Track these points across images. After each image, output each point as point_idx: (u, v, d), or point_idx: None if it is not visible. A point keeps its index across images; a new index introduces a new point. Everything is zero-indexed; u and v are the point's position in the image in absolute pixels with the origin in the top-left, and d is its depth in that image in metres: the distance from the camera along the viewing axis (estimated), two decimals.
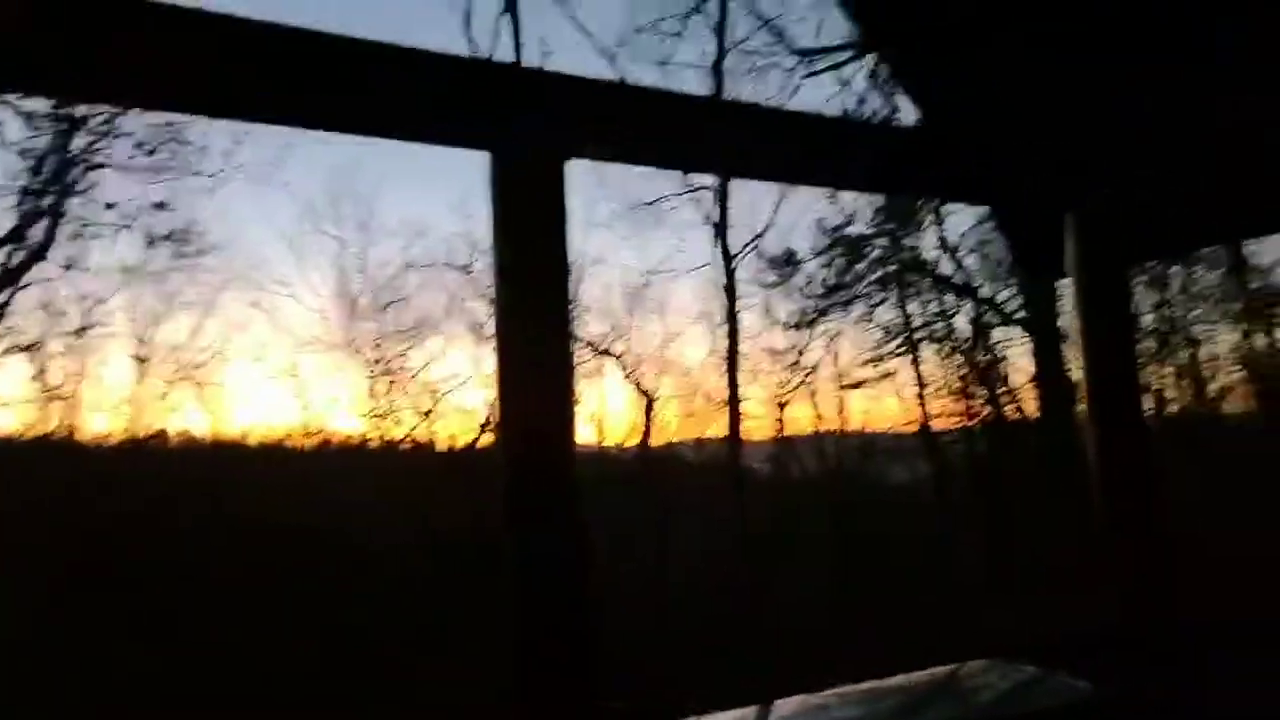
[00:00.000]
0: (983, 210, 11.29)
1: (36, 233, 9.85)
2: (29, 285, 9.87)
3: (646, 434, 13.70)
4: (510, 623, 1.71)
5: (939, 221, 13.33)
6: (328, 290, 13.99)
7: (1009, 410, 13.33)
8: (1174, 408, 13.27)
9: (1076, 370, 3.02)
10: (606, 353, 13.63)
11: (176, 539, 9.82)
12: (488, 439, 12.63)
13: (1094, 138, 3.02)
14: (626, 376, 13.74)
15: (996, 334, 13.66)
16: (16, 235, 9.65)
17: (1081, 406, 3.00)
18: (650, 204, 13.86)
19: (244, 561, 9.76)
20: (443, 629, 10.06)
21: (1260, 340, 12.86)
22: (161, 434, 11.58)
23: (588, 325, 13.88)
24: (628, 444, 14.04)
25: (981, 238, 12.91)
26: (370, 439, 12.83)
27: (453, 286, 13.16)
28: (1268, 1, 2.49)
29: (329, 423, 12.74)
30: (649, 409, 13.72)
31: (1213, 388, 13.60)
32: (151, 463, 11.48)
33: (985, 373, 13.55)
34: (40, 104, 9.44)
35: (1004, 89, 3.29)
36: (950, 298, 13.74)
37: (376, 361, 12.63)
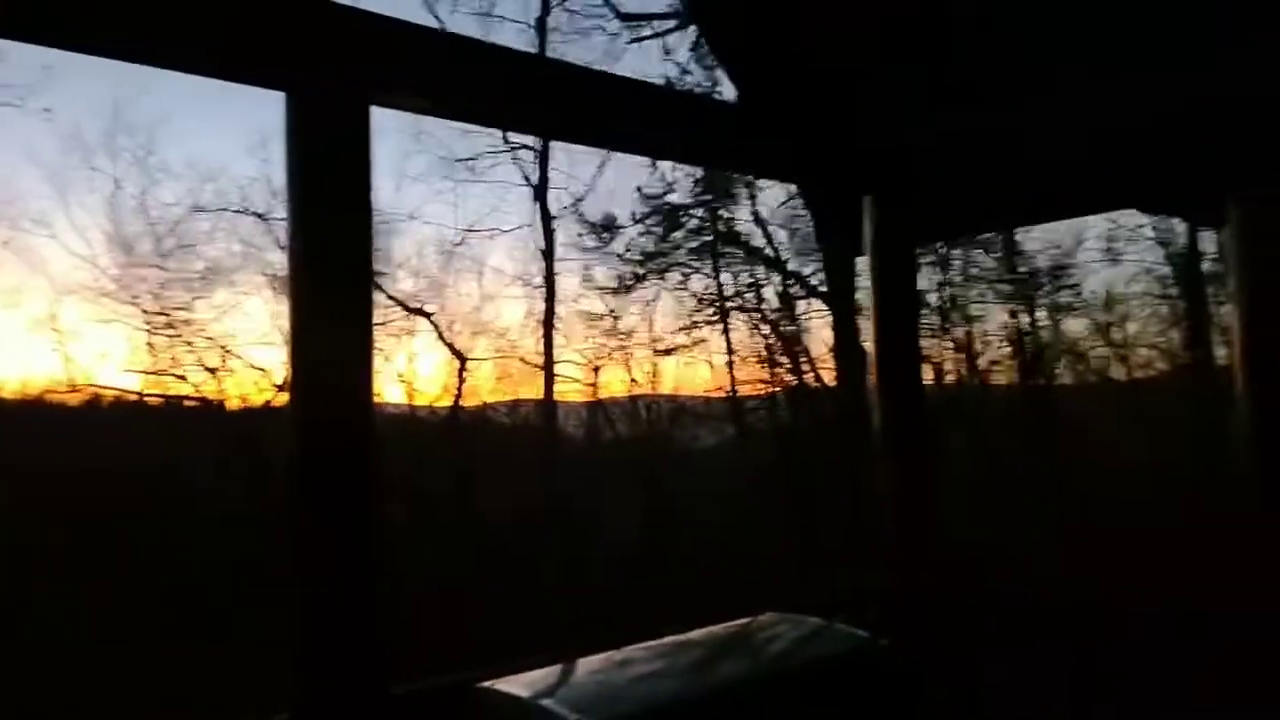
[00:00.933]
0: (792, 186, 11.84)
1: None
2: None
3: (458, 396, 13.44)
4: (292, 599, 1.61)
5: (752, 196, 13.85)
6: (98, 233, 12.56)
7: (810, 379, 14.18)
8: (950, 378, 14.60)
9: (869, 342, 3.25)
10: (419, 311, 13.20)
11: None
12: (284, 398, 11.91)
13: (892, 126, 3.22)
14: (439, 336, 13.38)
15: (801, 306, 14.45)
16: None
17: (871, 376, 3.23)
18: (468, 160, 13.48)
19: None
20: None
21: (1024, 319, 14.36)
22: None
23: (398, 282, 13.38)
24: (439, 405, 13.71)
25: (791, 213, 13.54)
26: (148, 396, 11.74)
27: (247, 234, 12.20)
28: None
29: (98, 378, 11.51)
30: (462, 370, 13.45)
31: (983, 361, 15.06)
32: None
33: (790, 342, 14.31)
34: None
35: (812, 71, 3.42)
36: (761, 269, 14.35)
37: (157, 313, 11.52)
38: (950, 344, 14.56)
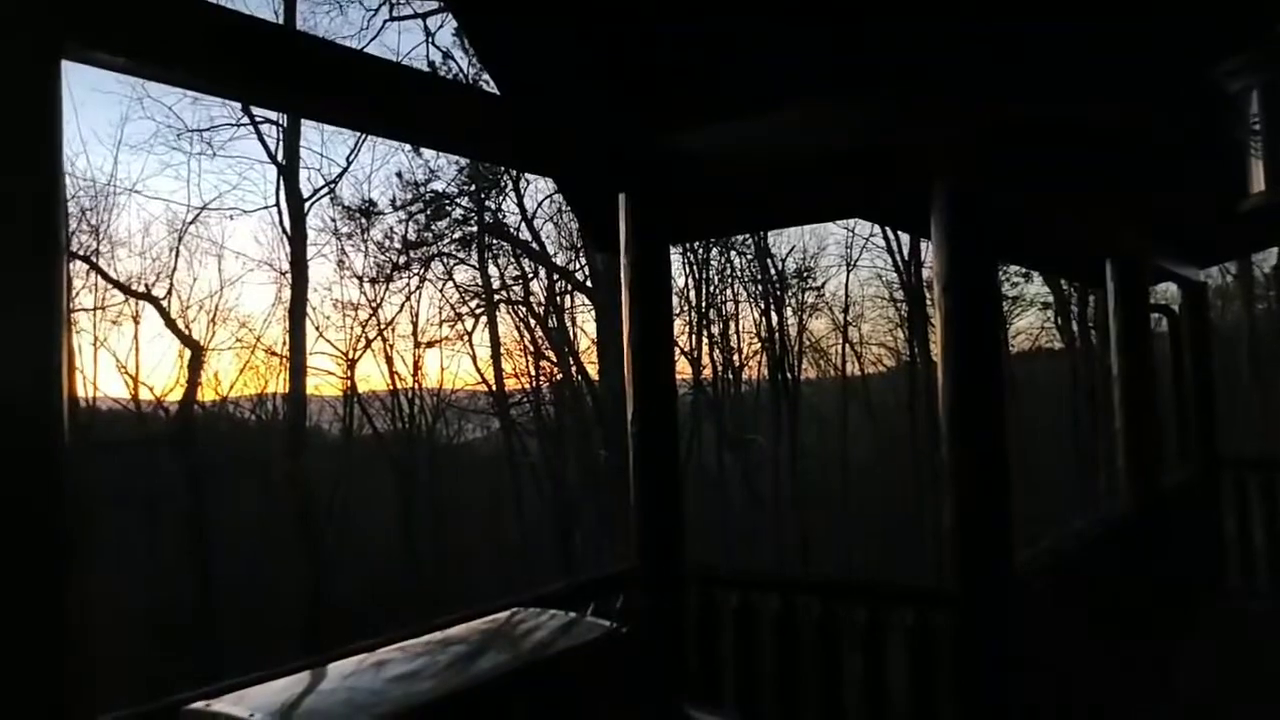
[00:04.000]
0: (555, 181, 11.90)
1: None
2: None
3: (191, 389, 12.26)
4: None
5: (519, 189, 13.80)
6: None
7: (574, 372, 14.37)
8: (706, 373, 15.39)
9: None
10: (145, 296, 11.91)
11: None
12: None
13: (646, 128, 3.31)
14: (168, 324, 12.13)
15: (568, 300, 14.60)
16: None
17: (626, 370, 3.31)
18: (201, 131, 12.33)
19: None
20: None
21: (773, 317, 15.44)
22: None
23: (118, 262, 12.00)
24: (168, 400, 12.45)
25: (558, 208, 13.64)
26: None
27: None
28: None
29: None
30: (196, 361, 12.29)
31: (738, 357, 16.03)
32: None
33: (555, 337, 14.42)
34: None
35: (570, 68, 3.45)
36: (528, 263, 14.33)
37: None
38: (707, 340, 15.37)
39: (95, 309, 11.57)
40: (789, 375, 15.48)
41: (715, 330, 15.57)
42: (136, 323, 12.18)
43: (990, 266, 2.95)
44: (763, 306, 15.53)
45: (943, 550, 2.81)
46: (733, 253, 15.25)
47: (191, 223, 12.52)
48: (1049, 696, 3.25)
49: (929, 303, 14.06)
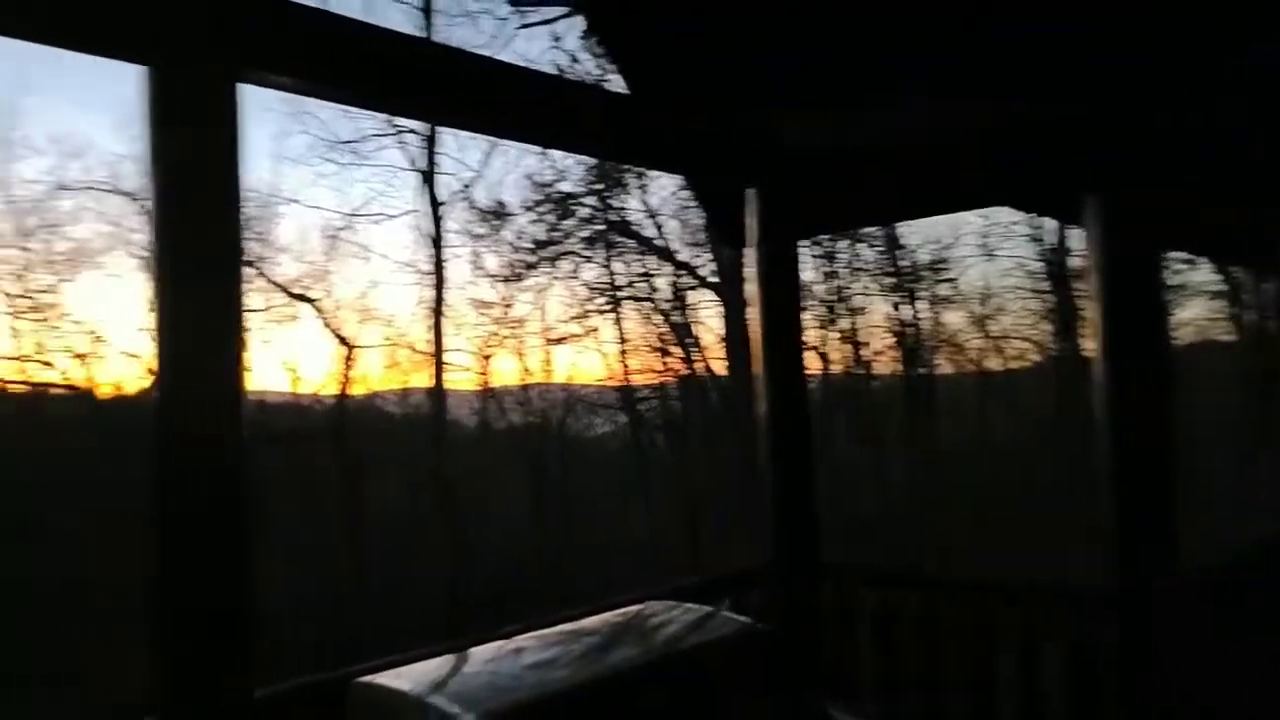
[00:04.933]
0: (683, 179, 11.96)
1: None
2: None
3: (344, 384, 13.05)
4: (154, 603, 1.53)
5: (643, 186, 13.92)
6: None
7: (701, 368, 14.39)
8: (836, 368, 15.09)
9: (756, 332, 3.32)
10: (302, 298, 12.74)
11: None
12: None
13: (775, 122, 3.29)
14: (324, 324, 12.94)
15: (693, 296, 14.62)
16: None
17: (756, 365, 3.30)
18: (351, 143, 13.05)
19: None
20: None
21: (905, 310, 14.96)
22: None
23: (280, 267, 12.86)
24: (324, 394, 13.28)
25: (682, 204, 13.68)
26: (11, 383, 10.95)
27: (117, 214, 11.50)
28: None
29: None
30: (348, 358, 13.06)
31: (867, 351, 15.63)
32: None
33: (681, 333, 14.48)
34: None
35: (699, 66, 3.46)
36: (653, 260, 14.44)
37: (20, 295, 10.74)
38: (836, 334, 15.06)
39: (260, 310, 12.45)
40: (923, 370, 14.97)
41: (844, 324, 15.22)
42: (295, 322, 13.03)
43: (1152, 254, 2.77)
44: (894, 299, 15.07)
45: (1099, 553, 2.66)
46: (861, 245, 14.86)
47: (343, 229, 13.29)
48: (1215, 706, 3.04)
49: (1079, 293, 13.28)
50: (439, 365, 13.49)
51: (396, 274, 16.64)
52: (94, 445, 11.01)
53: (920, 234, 14.74)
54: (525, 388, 15.04)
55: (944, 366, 15.65)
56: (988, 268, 14.83)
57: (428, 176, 13.46)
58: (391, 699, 1.76)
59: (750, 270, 3.30)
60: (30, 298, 10.76)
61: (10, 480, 9.97)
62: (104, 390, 11.44)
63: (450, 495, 12.84)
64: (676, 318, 14.49)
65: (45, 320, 10.88)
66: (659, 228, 14.22)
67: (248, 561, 1.61)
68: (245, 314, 1.82)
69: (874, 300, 15.22)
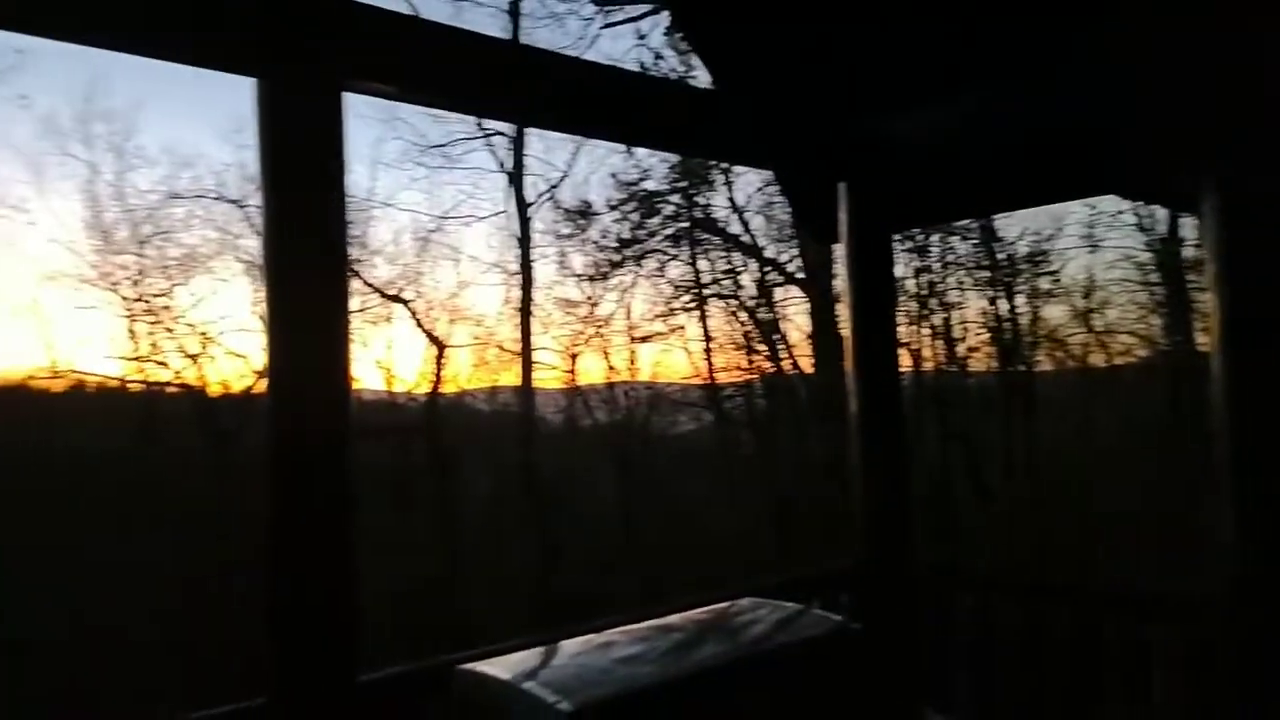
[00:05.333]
0: (768, 174, 11.85)
1: None
2: None
3: (436, 382, 13.41)
4: (264, 590, 1.61)
5: (729, 182, 13.84)
6: (76, 219, 12.42)
7: (787, 365, 14.24)
8: (928, 365, 14.71)
9: (846, 329, 3.27)
10: (396, 298, 13.14)
11: None
12: (264, 385, 11.86)
13: (867, 113, 3.23)
14: (417, 323, 13.33)
15: (779, 293, 14.47)
16: None
17: (847, 362, 3.25)
18: (442, 146, 13.40)
19: None
20: None
21: (1003, 306, 14.46)
22: None
23: (375, 269, 13.29)
24: (417, 392, 13.68)
25: (768, 200, 13.55)
26: (130, 382, 11.65)
27: (224, 221, 12.10)
28: None
29: (80, 364, 11.42)
30: (440, 357, 13.41)
31: (962, 348, 15.18)
32: None
33: (767, 330, 14.36)
34: None
35: (787, 58, 3.43)
36: (738, 256, 14.36)
37: (136, 299, 11.42)
38: (928, 330, 14.68)
39: (357, 311, 12.94)
40: (1021, 366, 14.45)
41: (937, 320, 14.82)
42: (389, 323, 13.46)
43: (1277, 242, 2.61)
44: (990, 293, 14.58)
45: (1215, 559, 2.53)
46: (954, 238, 14.43)
47: (434, 231, 13.66)
48: None
49: (1193, 285, 12.59)
50: (527, 364, 13.75)
51: (485, 274, 16.98)
52: (203, 440, 11.63)
53: (1019, 225, 14.21)
54: (610, 386, 15.16)
55: (1044, 363, 15.07)
56: (1092, 259, 14.16)
57: (515, 178, 13.73)
58: (493, 686, 1.82)
59: (841, 265, 3.25)
60: (146, 301, 11.43)
61: (131, 473, 10.62)
62: (213, 388, 12.05)
63: (538, 491, 13.07)
64: (762, 314, 14.38)
65: (159, 323, 11.54)
66: (744, 224, 14.13)
67: (353, 552, 1.68)
68: (350, 315, 1.89)
69: (968, 295, 14.77)
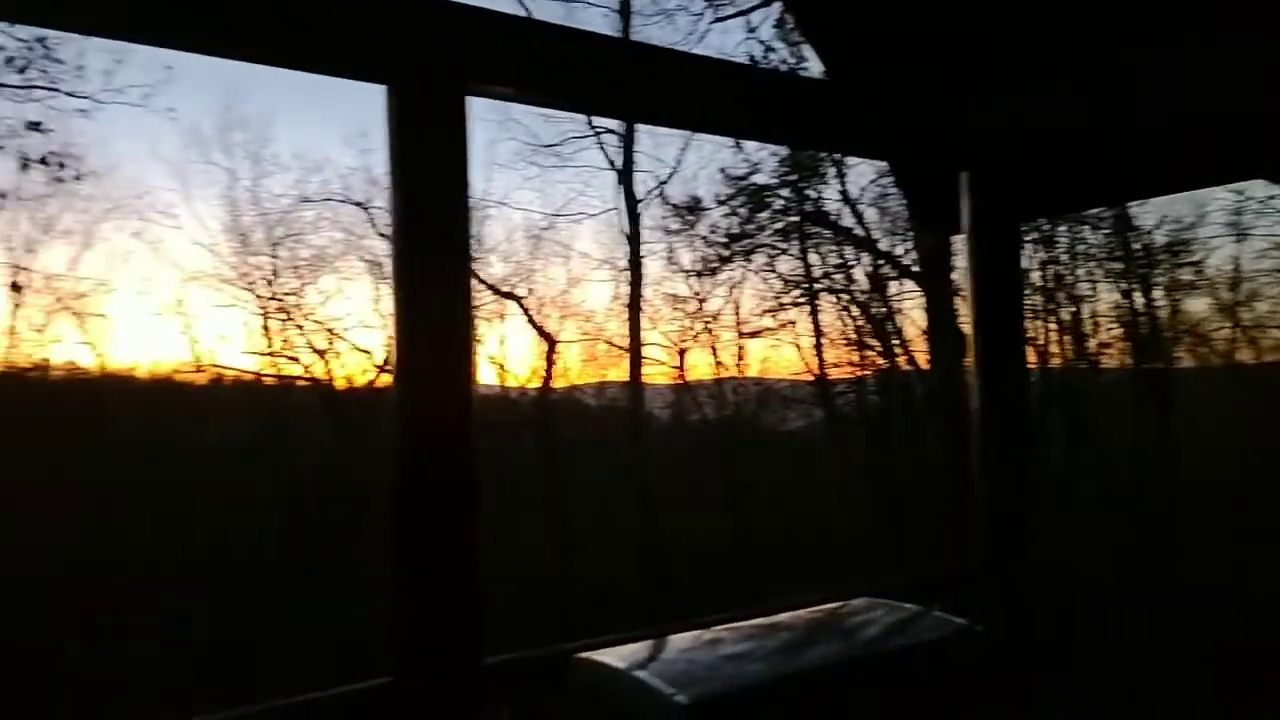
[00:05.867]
0: (882, 165, 11.54)
1: None
2: None
3: (547, 377, 13.69)
4: (394, 574, 1.69)
5: (840, 174, 13.56)
6: (217, 223, 13.32)
7: (902, 362, 13.85)
8: (1055, 361, 14.02)
9: (966, 323, 3.15)
10: (508, 295, 13.48)
11: None
12: (386, 379, 12.40)
13: (990, 97, 3.10)
14: (528, 320, 13.63)
15: (893, 287, 14.08)
16: None
17: (969, 359, 3.13)
18: (554, 146, 13.65)
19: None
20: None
21: (1139, 299, 13.63)
22: (43, 365, 10.93)
23: (489, 267, 13.66)
24: (528, 387, 14.00)
25: (881, 191, 13.21)
26: (264, 376, 12.40)
27: (349, 223, 12.72)
28: None
29: (220, 359, 12.23)
30: (550, 352, 13.68)
31: (1093, 343, 14.39)
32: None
33: (880, 325, 14.00)
34: None
35: (903, 44, 3.33)
36: (850, 250, 14.05)
37: (270, 298, 12.14)
38: (1055, 325, 13.98)
39: (474, 308, 13.36)
40: (1158, 364, 13.59)
41: (1065, 314, 14.09)
42: (502, 319, 13.82)
43: None
44: (1124, 286, 13.77)
45: None
46: (1084, 228, 13.69)
47: (545, 229, 13.94)
48: None
49: None
50: (636, 359, 13.87)
51: (595, 271, 17.21)
52: (330, 430, 12.27)
53: (1157, 213, 13.34)
54: (719, 381, 15.11)
55: (1184, 359, 14.13)
56: (1239, 248, 13.15)
57: (625, 175, 13.86)
58: (609, 675, 1.86)
59: (962, 258, 3.14)
60: (278, 300, 12.15)
61: (266, 463, 11.31)
62: (339, 382, 12.68)
63: (646, 486, 13.16)
64: (876, 309, 14.03)
65: (290, 320, 12.24)
66: (857, 216, 13.82)
67: (477, 539, 1.75)
68: (474, 312, 1.96)
69: (1100, 287, 13.99)
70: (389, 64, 1.85)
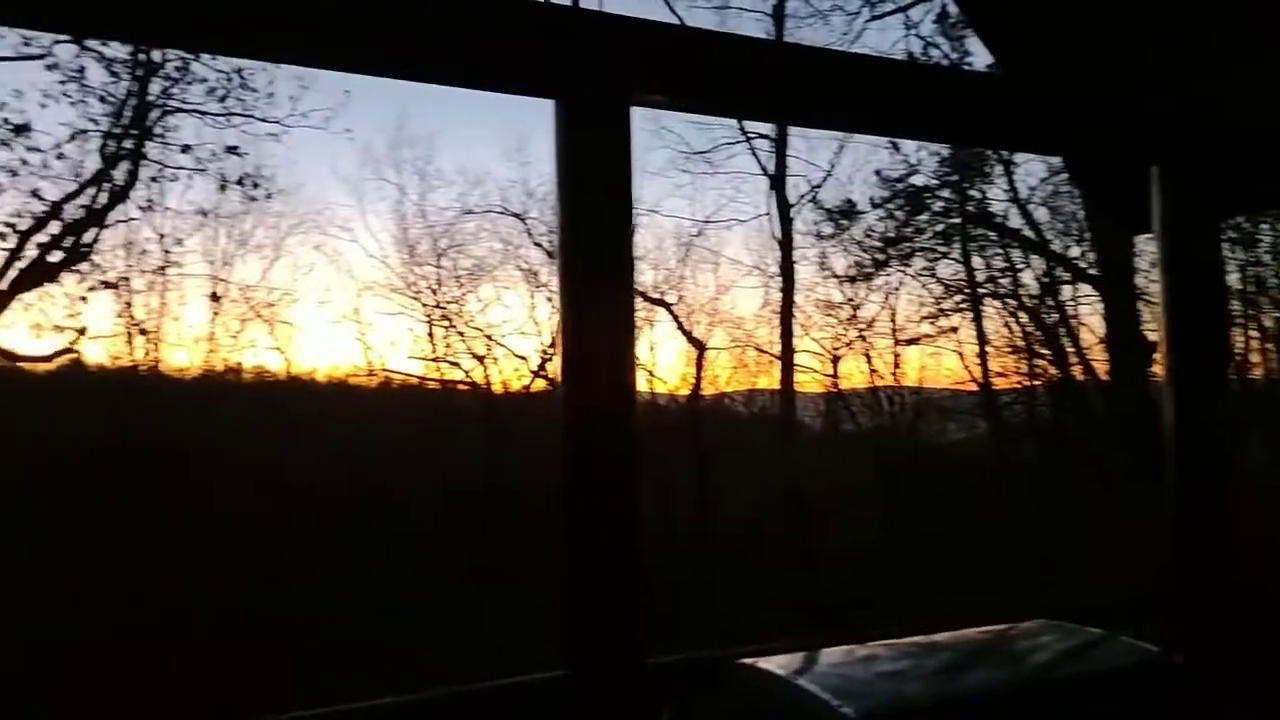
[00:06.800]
0: (1056, 161, 10.87)
1: (119, 175, 10.18)
2: (113, 225, 10.25)
3: (697, 384, 13.72)
4: (564, 574, 1.74)
5: (1008, 172, 12.88)
6: (388, 235, 14.21)
7: (1077, 371, 12.96)
8: (1257, 372, 12.75)
9: (1154, 330, 2.91)
10: (658, 302, 13.62)
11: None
12: (540, 384, 12.84)
13: (1185, 83, 2.87)
14: (678, 326, 13.72)
15: (1066, 291, 13.23)
16: (101, 177, 9.98)
17: (1157, 369, 2.90)
18: (705, 152, 13.69)
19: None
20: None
21: None
22: (237, 369, 12.07)
23: (640, 274, 13.85)
24: (678, 394, 14.08)
25: (1054, 189, 12.45)
26: (428, 380, 13.12)
27: (507, 233, 13.27)
28: None
29: (389, 363, 13.06)
30: (700, 359, 13.71)
31: None
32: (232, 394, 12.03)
33: (1052, 331, 13.17)
34: (120, 50, 9.63)
35: (1084, 28, 3.13)
36: (1018, 252, 13.32)
37: (434, 306, 12.82)
38: (1256, 333, 12.72)
39: None
40: None
41: (1269, 320, 12.79)
42: (651, 326, 13.99)
43: None
44: None
45: None
46: None
47: (695, 235, 14.01)
48: None
49: None
50: (787, 366, 13.68)
51: (745, 277, 17.13)
52: (487, 433, 12.81)
53: None
54: (874, 390, 14.67)
55: None
56: None
57: (777, 180, 13.72)
58: (773, 683, 1.84)
59: (1147, 259, 2.91)
60: (442, 308, 12.83)
61: (427, 462, 11.95)
62: (496, 387, 13.23)
63: (797, 496, 12.94)
64: (1047, 315, 13.22)
65: (452, 327, 12.89)
66: (1027, 216, 13.09)
67: (641, 540, 1.78)
68: (635, 319, 2.00)
69: None
70: (558, 78, 1.91)
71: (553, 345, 12.79)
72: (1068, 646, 2.24)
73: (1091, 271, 12.51)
